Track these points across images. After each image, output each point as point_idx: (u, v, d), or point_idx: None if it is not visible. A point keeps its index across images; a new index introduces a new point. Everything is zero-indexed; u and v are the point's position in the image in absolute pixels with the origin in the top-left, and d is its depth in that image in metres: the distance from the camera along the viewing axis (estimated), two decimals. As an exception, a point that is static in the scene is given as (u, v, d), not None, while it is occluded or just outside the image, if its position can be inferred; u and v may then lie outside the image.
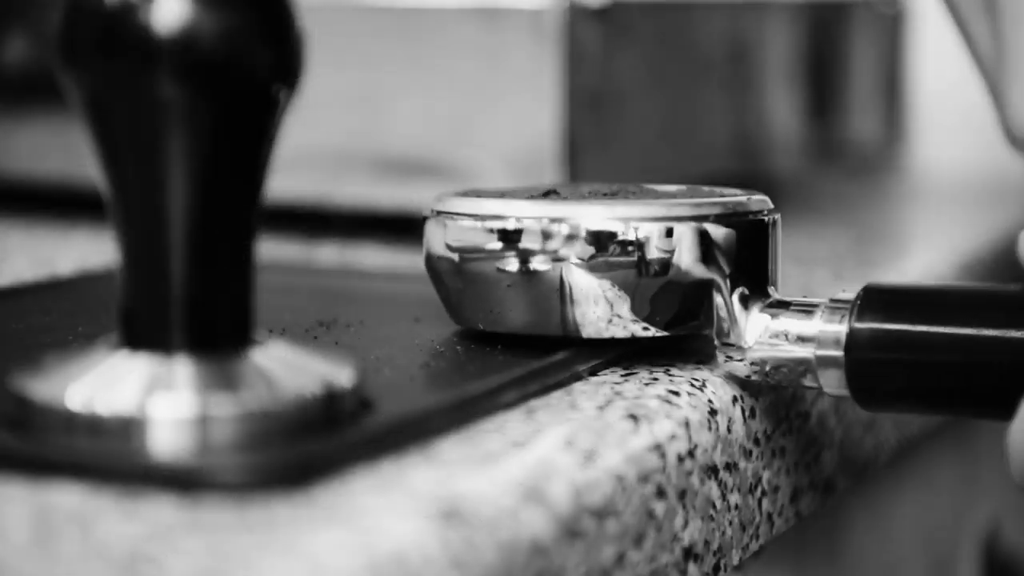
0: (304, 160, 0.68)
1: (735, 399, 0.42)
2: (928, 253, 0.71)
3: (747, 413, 0.43)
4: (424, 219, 0.45)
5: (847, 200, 0.90)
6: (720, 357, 0.43)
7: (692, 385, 0.42)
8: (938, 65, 1.03)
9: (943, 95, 1.05)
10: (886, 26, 0.92)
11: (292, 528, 0.31)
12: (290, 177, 0.68)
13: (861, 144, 0.89)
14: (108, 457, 0.33)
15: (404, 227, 0.67)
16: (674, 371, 0.43)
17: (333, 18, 0.68)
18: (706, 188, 0.46)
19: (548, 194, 0.45)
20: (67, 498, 0.32)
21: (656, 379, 0.42)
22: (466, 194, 0.45)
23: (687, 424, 0.40)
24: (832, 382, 0.41)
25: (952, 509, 0.74)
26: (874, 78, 0.90)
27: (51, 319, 0.48)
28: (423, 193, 0.66)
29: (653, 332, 0.42)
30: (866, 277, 0.62)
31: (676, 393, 0.41)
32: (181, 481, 0.33)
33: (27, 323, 0.47)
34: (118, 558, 0.29)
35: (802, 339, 0.41)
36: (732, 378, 0.43)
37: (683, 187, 0.46)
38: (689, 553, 0.40)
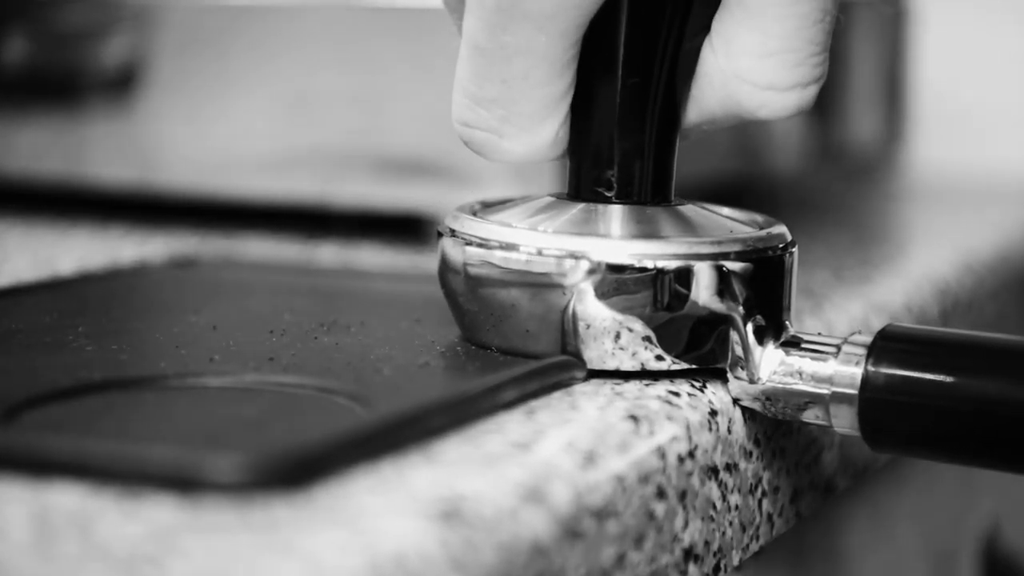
0: (304, 160, 0.68)
1: (735, 400, 0.42)
2: (928, 253, 0.71)
3: (747, 414, 0.43)
4: (439, 235, 0.45)
5: (847, 200, 0.90)
6: (732, 389, 0.43)
7: (692, 386, 0.42)
8: (938, 65, 1.04)
9: (943, 95, 1.05)
10: (886, 26, 0.92)
11: (292, 528, 0.31)
12: (290, 177, 0.68)
13: (861, 144, 0.89)
14: (108, 457, 0.33)
15: (404, 227, 0.68)
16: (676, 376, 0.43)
17: (333, 18, 0.68)
18: (724, 212, 0.46)
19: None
20: (67, 498, 0.32)
21: (657, 380, 0.42)
22: (483, 215, 0.45)
23: (687, 425, 0.40)
24: (844, 423, 0.41)
25: (952, 509, 0.74)
26: (874, 78, 0.90)
27: (51, 319, 0.48)
28: (423, 193, 0.66)
29: (667, 364, 0.42)
30: (866, 277, 0.62)
31: (676, 394, 0.41)
32: (181, 481, 0.33)
33: (27, 323, 0.47)
34: (118, 558, 0.29)
35: (816, 379, 0.41)
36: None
37: (696, 208, 0.45)
38: (689, 554, 0.40)
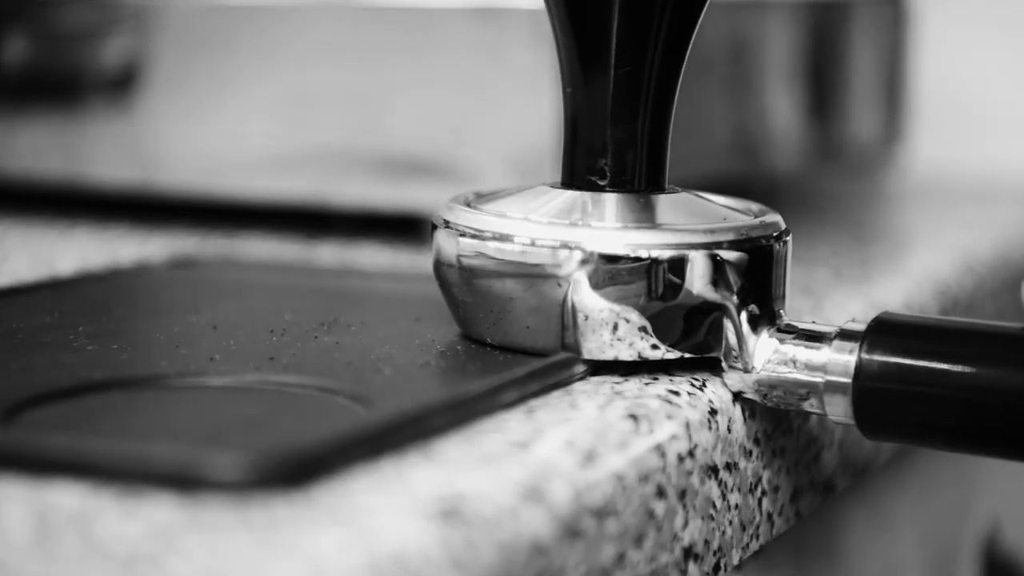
0: (304, 160, 0.68)
1: (735, 399, 0.42)
2: (928, 253, 0.71)
3: (747, 413, 0.43)
4: (433, 227, 0.45)
5: (847, 200, 0.90)
6: (726, 378, 0.43)
7: (692, 385, 0.42)
8: (938, 64, 1.03)
9: (942, 94, 1.05)
10: (886, 25, 0.92)
11: (292, 528, 0.31)
12: (290, 177, 0.68)
13: (861, 144, 0.89)
14: (108, 456, 0.33)
15: (404, 227, 0.67)
16: (674, 371, 0.43)
17: (333, 18, 0.68)
18: (718, 200, 0.46)
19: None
20: (67, 498, 0.32)
21: (656, 379, 0.42)
22: (477, 206, 0.45)
23: (687, 424, 0.40)
24: (838, 410, 0.41)
25: (952, 509, 0.74)
26: (874, 78, 0.90)
27: (51, 319, 0.48)
28: (423, 193, 0.66)
29: (662, 353, 0.42)
30: (866, 277, 0.62)
31: (676, 393, 0.41)
32: (181, 481, 0.33)
33: (27, 323, 0.47)
34: (118, 558, 0.29)
35: (810, 367, 0.41)
36: (732, 378, 0.43)
37: (690, 196, 0.46)
38: (689, 553, 0.40)
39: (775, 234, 0.43)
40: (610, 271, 0.41)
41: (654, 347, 0.42)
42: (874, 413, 0.41)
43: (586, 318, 0.42)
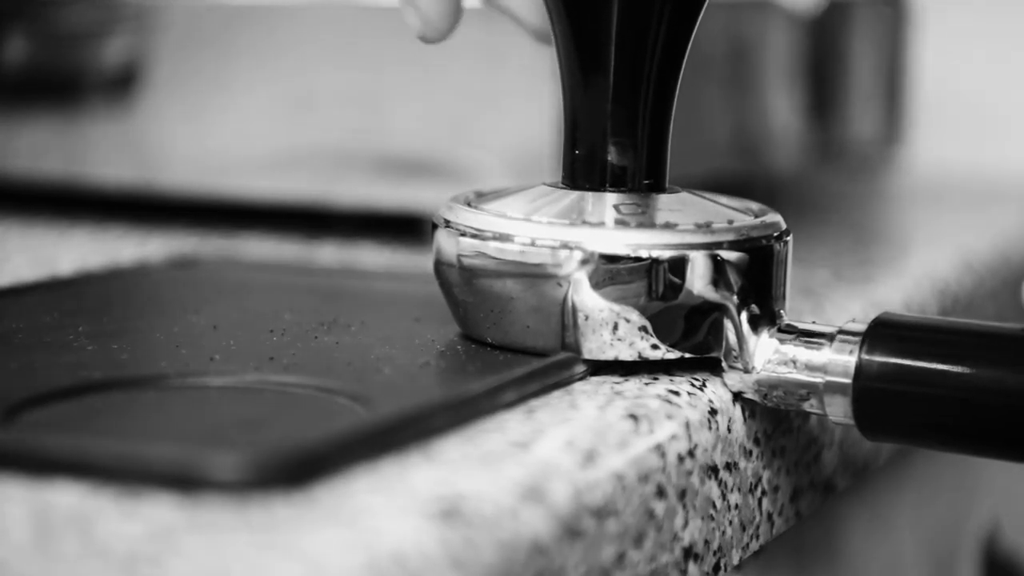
0: (304, 160, 0.68)
1: (735, 399, 0.42)
2: (928, 253, 0.71)
3: (747, 413, 0.43)
4: (434, 226, 0.45)
5: (847, 200, 0.90)
6: (726, 378, 0.43)
7: (692, 385, 0.42)
8: (939, 65, 1.03)
9: (943, 95, 1.05)
10: (886, 26, 0.92)
11: (292, 528, 0.31)
12: (290, 177, 0.68)
13: (861, 144, 0.89)
14: (108, 456, 0.33)
15: (404, 227, 0.68)
16: (674, 371, 0.43)
17: (333, 18, 0.68)
18: (718, 200, 0.46)
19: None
20: (67, 498, 0.32)
21: (656, 379, 0.42)
22: (477, 206, 0.45)
23: (687, 424, 0.40)
24: (838, 411, 0.41)
25: (952, 509, 0.74)
26: (874, 78, 0.90)
27: (51, 319, 0.48)
28: (423, 193, 0.66)
29: (662, 353, 0.42)
30: (866, 277, 0.62)
31: (676, 393, 0.41)
32: (181, 481, 0.33)
33: (27, 323, 0.47)
34: (118, 558, 0.29)
35: (810, 367, 0.41)
36: (732, 378, 0.43)
37: (691, 195, 0.46)
38: (689, 553, 0.40)
39: (775, 234, 0.43)
40: (610, 271, 0.41)
41: (654, 347, 0.42)
42: (874, 414, 0.41)
43: (586, 318, 0.42)
